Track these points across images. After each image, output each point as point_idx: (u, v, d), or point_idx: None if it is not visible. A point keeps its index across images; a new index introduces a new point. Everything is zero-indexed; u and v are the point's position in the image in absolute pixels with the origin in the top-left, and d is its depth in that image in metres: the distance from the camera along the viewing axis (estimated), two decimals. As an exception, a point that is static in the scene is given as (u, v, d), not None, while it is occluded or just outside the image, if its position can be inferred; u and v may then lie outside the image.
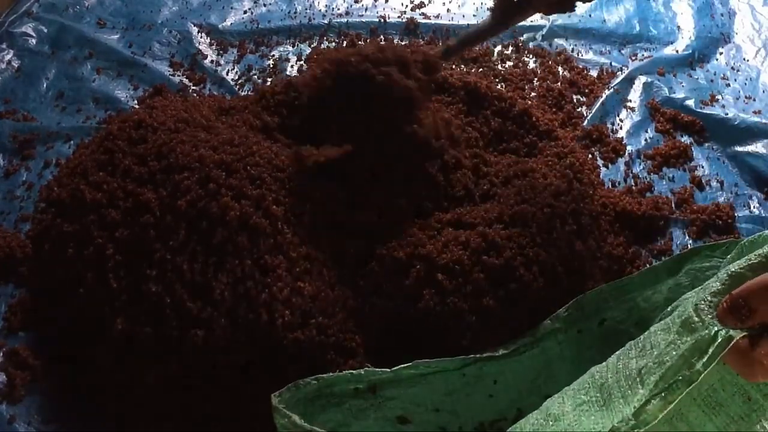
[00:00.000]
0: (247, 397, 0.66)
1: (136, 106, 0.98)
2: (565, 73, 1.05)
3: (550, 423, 0.52)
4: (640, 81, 1.03)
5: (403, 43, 1.09)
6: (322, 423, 0.60)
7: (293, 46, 1.10)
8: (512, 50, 1.09)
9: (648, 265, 0.77)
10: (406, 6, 1.16)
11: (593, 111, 0.99)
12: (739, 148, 0.94)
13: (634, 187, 0.90)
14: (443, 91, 0.90)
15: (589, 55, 1.09)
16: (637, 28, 1.12)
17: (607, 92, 1.02)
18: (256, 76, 1.05)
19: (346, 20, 1.13)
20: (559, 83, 1.03)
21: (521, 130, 0.89)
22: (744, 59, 1.07)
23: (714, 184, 0.92)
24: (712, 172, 0.93)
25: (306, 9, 1.16)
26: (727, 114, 0.98)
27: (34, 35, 1.07)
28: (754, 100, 1.01)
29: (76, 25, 1.09)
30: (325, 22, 1.13)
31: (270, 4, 1.17)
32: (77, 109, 0.99)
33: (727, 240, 0.77)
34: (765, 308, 0.46)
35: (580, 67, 1.06)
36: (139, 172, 0.74)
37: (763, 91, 1.02)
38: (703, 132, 0.97)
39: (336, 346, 0.68)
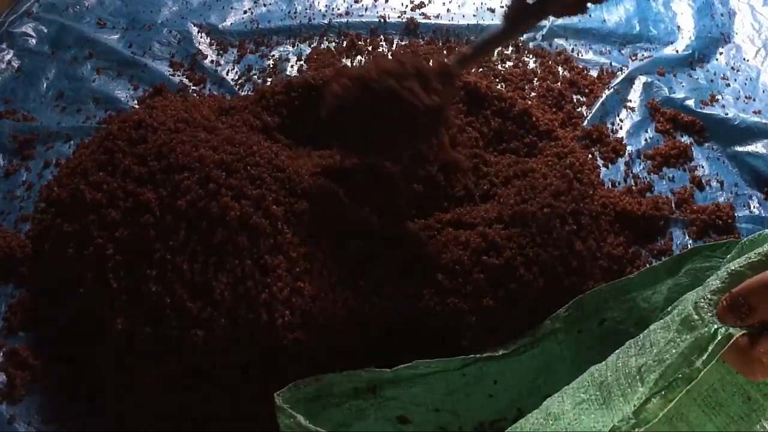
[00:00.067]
0: (247, 397, 0.66)
1: (136, 106, 0.98)
2: (565, 73, 1.05)
3: (550, 422, 0.52)
4: (640, 81, 1.03)
5: (403, 43, 1.10)
6: (322, 423, 0.60)
7: (293, 46, 1.10)
8: (512, 50, 1.09)
9: (648, 265, 0.77)
10: (406, 6, 1.16)
11: (593, 111, 0.99)
12: (739, 148, 0.94)
13: (634, 187, 0.90)
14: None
15: (589, 55, 1.09)
16: (637, 28, 1.12)
17: (607, 92, 1.02)
18: (256, 76, 1.05)
19: (346, 20, 1.13)
20: (559, 83, 1.03)
21: (521, 130, 0.89)
22: (744, 59, 1.07)
23: (714, 184, 0.92)
24: (712, 172, 0.93)
25: (306, 9, 1.16)
26: (727, 114, 0.97)
27: (34, 35, 1.07)
28: (754, 100, 1.01)
29: (76, 25, 1.09)
30: (325, 22, 1.13)
31: (270, 4, 1.17)
32: (77, 109, 0.99)
33: (727, 240, 0.77)
34: (765, 306, 0.46)
35: (580, 67, 1.06)
36: (139, 172, 0.74)
37: (763, 91, 1.02)
38: (703, 132, 0.97)
39: (336, 346, 0.68)
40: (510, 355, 0.67)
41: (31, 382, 0.72)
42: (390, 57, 0.75)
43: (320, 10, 1.15)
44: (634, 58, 1.08)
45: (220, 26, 1.12)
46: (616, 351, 0.54)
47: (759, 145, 0.94)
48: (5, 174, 0.90)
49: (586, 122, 0.98)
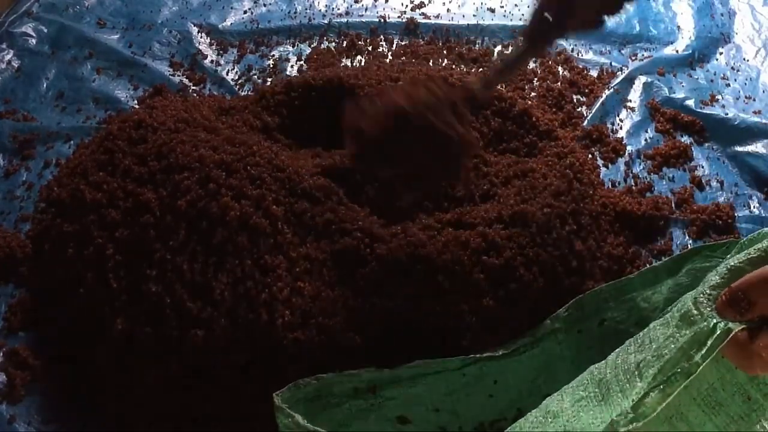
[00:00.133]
0: (247, 397, 0.66)
1: (136, 106, 0.98)
2: (565, 73, 1.05)
3: (549, 420, 0.52)
4: (640, 81, 1.03)
5: (403, 43, 1.09)
6: (322, 423, 0.60)
7: (293, 46, 1.10)
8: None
9: (648, 265, 0.77)
10: (406, 6, 1.16)
11: (593, 111, 0.99)
12: (739, 148, 0.94)
13: (634, 187, 0.90)
14: (443, 91, 0.90)
15: (589, 55, 1.09)
16: (637, 28, 1.12)
17: (607, 92, 1.02)
18: (256, 76, 1.05)
19: (346, 20, 1.13)
20: (559, 83, 1.03)
21: (521, 130, 0.89)
22: (744, 59, 1.07)
23: (714, 184, 0.92)
24: (712, 172, 0.93)
25: (306, 9, 1.16)
26: (727, 114, 0.98)
27: (34, 35, 1.07)
28: (754, 100, 1.01)
29: (76, 25, 1.09)
30: (325, 22, 1.13)
31: (270, 4, 1.17)
32: (77, 109, 0.99)
33: (727, 240, 0.77)
34: (764, 301, 0.46)
35: (580, 67, 1.06)
36: (139, 172, 0.75)
37: (763, 91, 1.02)
38: (703, 132, 0.97)
39: (336, 346, 0.67)
40: (510, 355, 0.67)
41: (31, 382, 0.72)
42: (419, 84, 0.70)
43: (320, 10, 1.15)
44: (634, 58, 1.08)
45: (220, 26, 1.12)
46: (616, 350, 0.54)
47: (759, 145, 0.94)
48: (5, 174, 0.91)
49: (586, 122, 0.98)
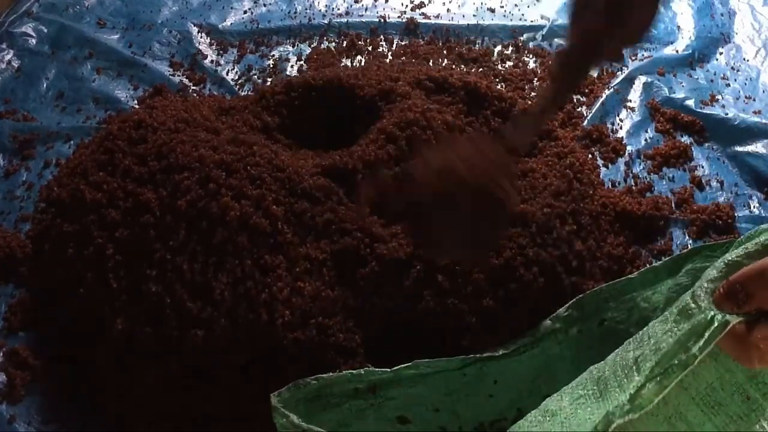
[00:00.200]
0: (247, 397, 0.66)
1: (136, 106, 0.98)
2: (565, 73, 1.05)
3: (548, 419, 0.52)
4: (640, 81, 1.03)
5: (403, 43, 1.09)
6: (322, 423, 0.60)
7: (293, 46, 1.10)
8: (512, 50, 1.09)
9: (648, 265, 0.77)
10: (406, 6, 1.16)
11: (593, 111, 0.99)
12: (739, 148, 0.94)
13: (634, 187, 0.90)
14: (443, 91, 0.90)
15: (589, 55, 1.09)
16: (637, 28, 1.12)
17: (607, 92, 1.02)
18: (256, 76, 1.05)
19: (346, 20, 1.13)
20: (559, 83, 1.03)
21: (521, 130, 0.89)
22: (744, 59, 1.07)
23: (714, 184, 0.91)
24: (712, 172, 0.93)
25: (306, 9, 1.16)
26: (727, 114, 0.97)
27: (34, 35, 1.07)
28: (754, 100, 1.01)
29: (76, 25, 1.10)
30: (325, 22, 1.13)
31: (270, 4, 1.17)
32: (77, 109, 0.99)
33: (727, 240, 0.77)
34: (762, 293, 0.46)
35: (580, 67, 1.06)
36: (139, 172, 0.75)
37: (763, 91, 1.02)
38: (703, 132, 0.97)
39: (336, 346, 0.67)
40: (510, 355, 0.67)
41: (31, 382, 0.72)
42: (467, 144, 0.65)
43: (320, 10, 1.15)
44: (634, 58, 1.08)
45: (220, 26, 1.12)
46: (616, 350, 0.54)
47: (759, 145, 0.94)
48: (5, 174, 0.91)
49: (586, 122, 0.98)
